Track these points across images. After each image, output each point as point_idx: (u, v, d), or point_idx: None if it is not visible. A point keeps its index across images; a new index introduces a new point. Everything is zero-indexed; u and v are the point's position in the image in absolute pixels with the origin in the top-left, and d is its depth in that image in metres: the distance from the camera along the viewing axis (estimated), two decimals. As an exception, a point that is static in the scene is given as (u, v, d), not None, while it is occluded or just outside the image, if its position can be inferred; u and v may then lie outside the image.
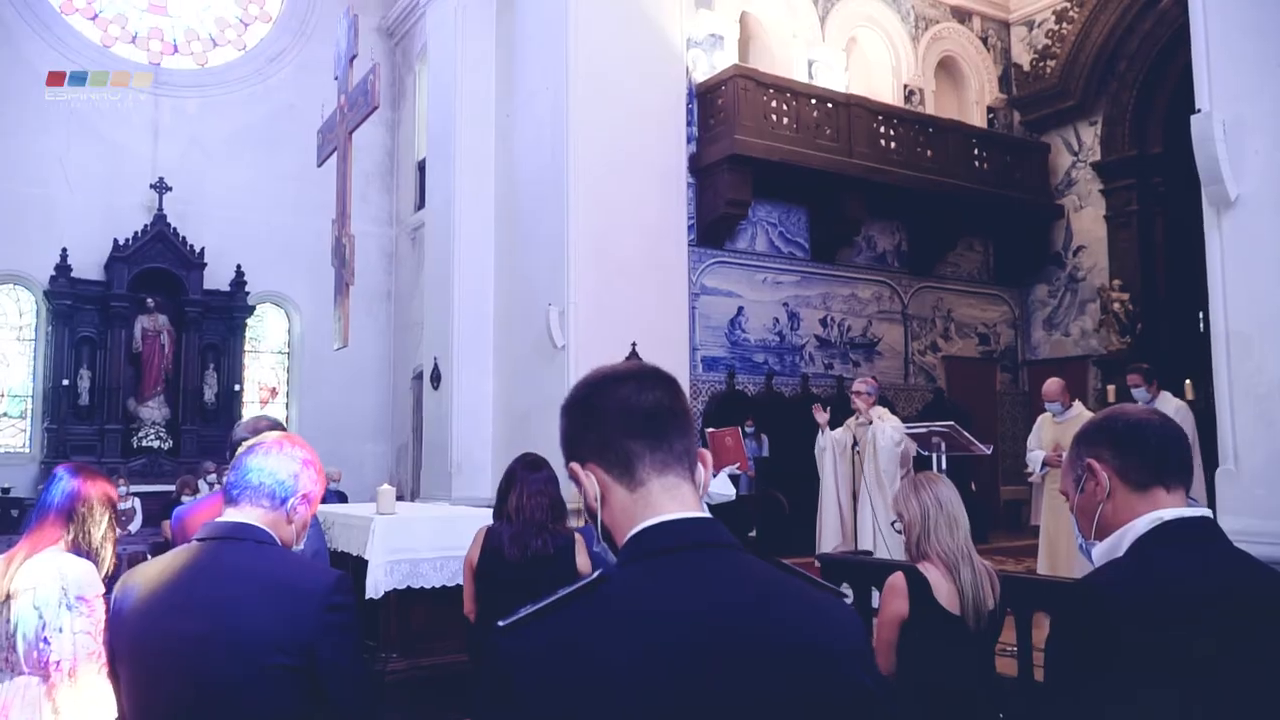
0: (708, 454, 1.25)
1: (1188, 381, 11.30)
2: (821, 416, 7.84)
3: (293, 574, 1.82)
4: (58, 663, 2.52)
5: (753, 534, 11.45)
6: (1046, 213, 14.81)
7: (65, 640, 2.53)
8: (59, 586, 2.54)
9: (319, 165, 9.11)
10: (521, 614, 1.09)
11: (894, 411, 9.27)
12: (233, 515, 1.88)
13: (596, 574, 1.13)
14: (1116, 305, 13.65)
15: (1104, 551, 1.49)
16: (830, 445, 7.84)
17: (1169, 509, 1.45)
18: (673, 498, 1.17)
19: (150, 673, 1.77)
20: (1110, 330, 13.79)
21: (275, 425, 3.01)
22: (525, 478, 3.83)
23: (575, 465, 1.22)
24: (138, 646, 1.78)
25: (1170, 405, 7.09)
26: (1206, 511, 1.47)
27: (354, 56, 7.75)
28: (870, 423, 7.42)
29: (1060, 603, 1.47)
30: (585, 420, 1.21)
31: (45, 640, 2.53)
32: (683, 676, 1.05)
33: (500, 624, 1.10)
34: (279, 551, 1.87)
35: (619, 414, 1.18)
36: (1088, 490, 1.52)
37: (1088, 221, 14.53)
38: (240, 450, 1.94)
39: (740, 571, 1.14)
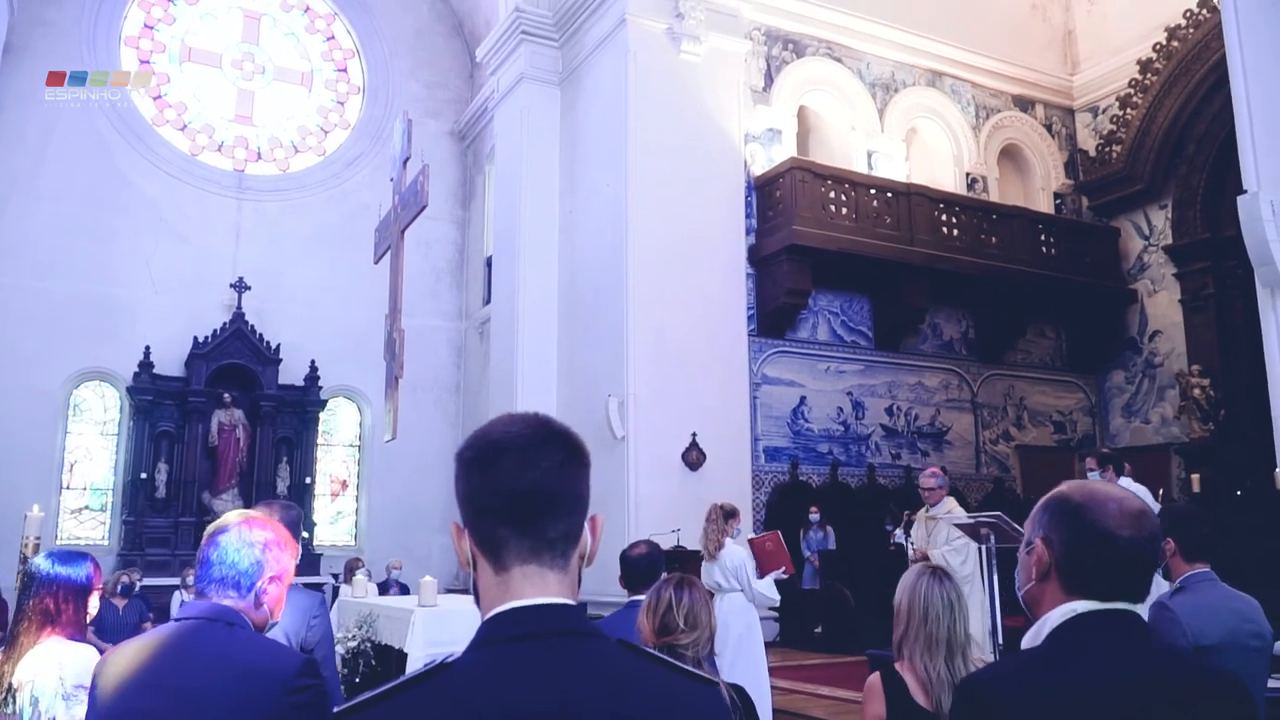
0: (600, 519, 1.20)
1: (1278, 471, 10.76)
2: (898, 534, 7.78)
3: (258, 658, 1.85)
4: None
5: (818, 630, 11.12)
6: (1119, 298, 14.50)
7: None
8: (57, 676, 2.59)
9: (375, 262, 9.42)
10: (361, 699, 1.05)
11: (962, 502, 9.04)
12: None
13: (441, 659, 1.08)
14: (1197, 391, 13.19)
15: (1028, 641, 1.42)
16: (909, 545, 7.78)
17: (1085, 602, 1.37)
18: (533, 584, 1.12)
19: None
20: (1191, 417, 13.30)
21: (288, 508, 3.04)
22: None
23: (455, 525, 1.18)
24: None
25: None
26: (1128, 605, 1.38)
27: (407, 159, 8.06)
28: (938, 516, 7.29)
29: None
30: (463, 489, 1.16)
31: None
32: None
33: (337, 709, 1.06)
34: (248, 635, 1.91)
35: (491, 495, 1.12)
36: (1030, 558, 1.46)
37: (1163, 306, 14.17)
38: (203, 541, 1.97)
39: (596, 662, 1.08)
